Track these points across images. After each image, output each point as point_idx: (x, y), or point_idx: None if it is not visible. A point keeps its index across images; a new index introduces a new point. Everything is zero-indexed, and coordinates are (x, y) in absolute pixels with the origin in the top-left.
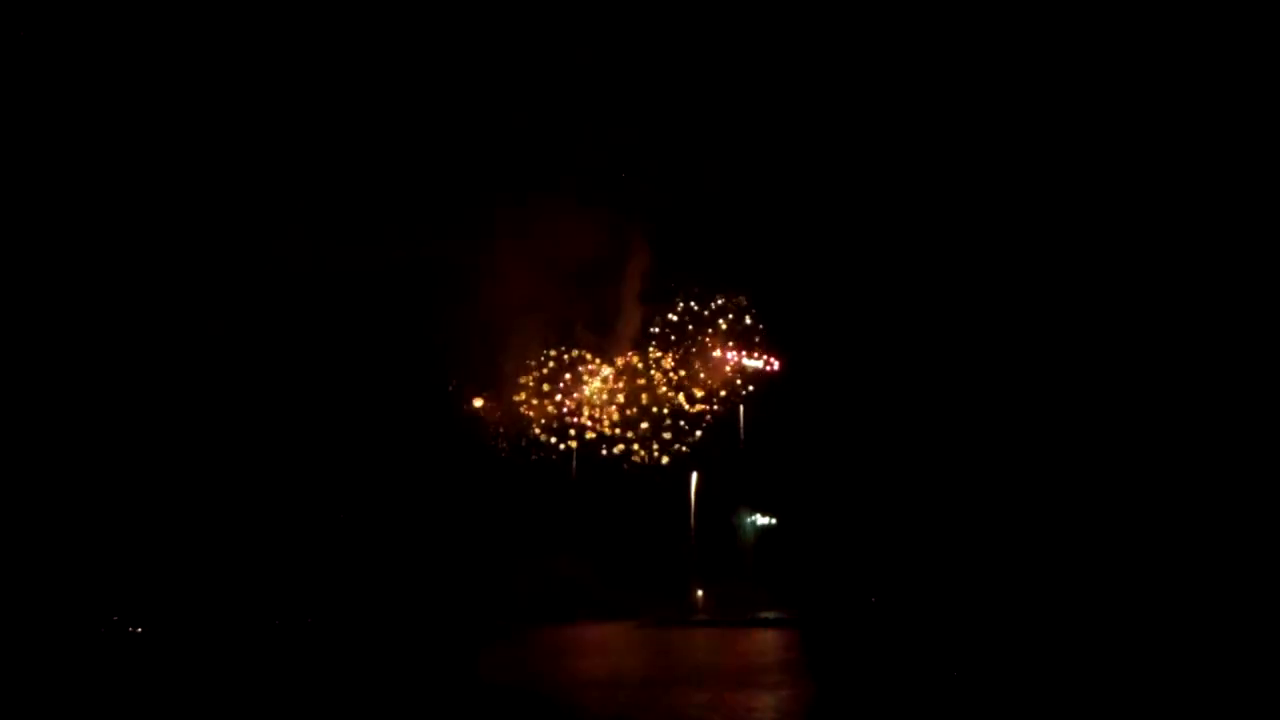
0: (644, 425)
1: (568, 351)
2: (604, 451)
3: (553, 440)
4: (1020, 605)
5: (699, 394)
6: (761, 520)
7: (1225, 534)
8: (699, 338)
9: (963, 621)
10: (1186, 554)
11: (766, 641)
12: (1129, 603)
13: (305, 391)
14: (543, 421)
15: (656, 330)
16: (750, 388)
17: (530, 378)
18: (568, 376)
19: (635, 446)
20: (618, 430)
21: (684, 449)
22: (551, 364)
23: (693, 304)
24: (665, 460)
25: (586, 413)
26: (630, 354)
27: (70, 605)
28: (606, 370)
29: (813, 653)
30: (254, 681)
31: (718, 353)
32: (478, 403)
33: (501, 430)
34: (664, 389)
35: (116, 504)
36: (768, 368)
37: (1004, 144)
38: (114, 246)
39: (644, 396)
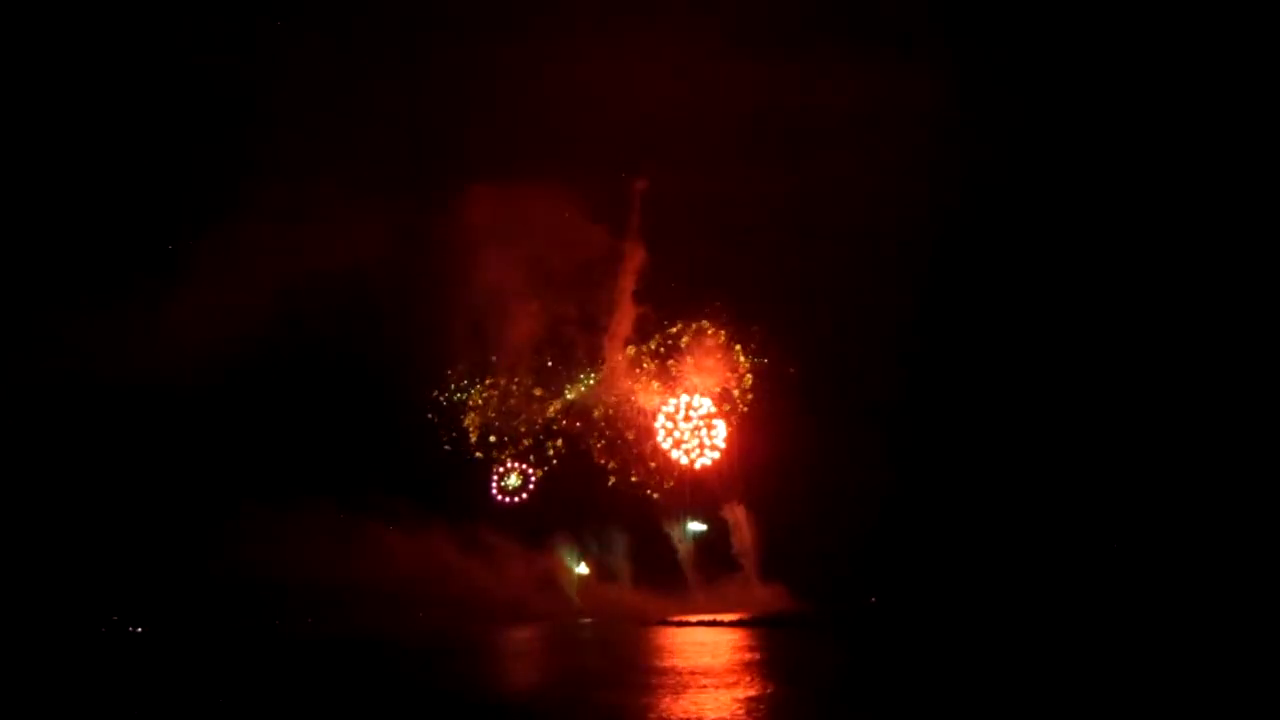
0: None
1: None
2: (602, 462)
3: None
4: (1020, 605)
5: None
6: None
7: (1225, 534)
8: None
9: (961, 621)
10: (1186, 554)
11: (771, 641)
12: (1129, 603)
13: (304, 394)
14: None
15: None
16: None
17: (522, 379)
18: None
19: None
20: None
21: (671, 482)
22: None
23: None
24: (653, 493)
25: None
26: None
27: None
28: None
29: (816, 653)
30: (254, 682)
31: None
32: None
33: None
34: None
35: (116, 504)
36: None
37: (999, 143)
38: (111, 249)
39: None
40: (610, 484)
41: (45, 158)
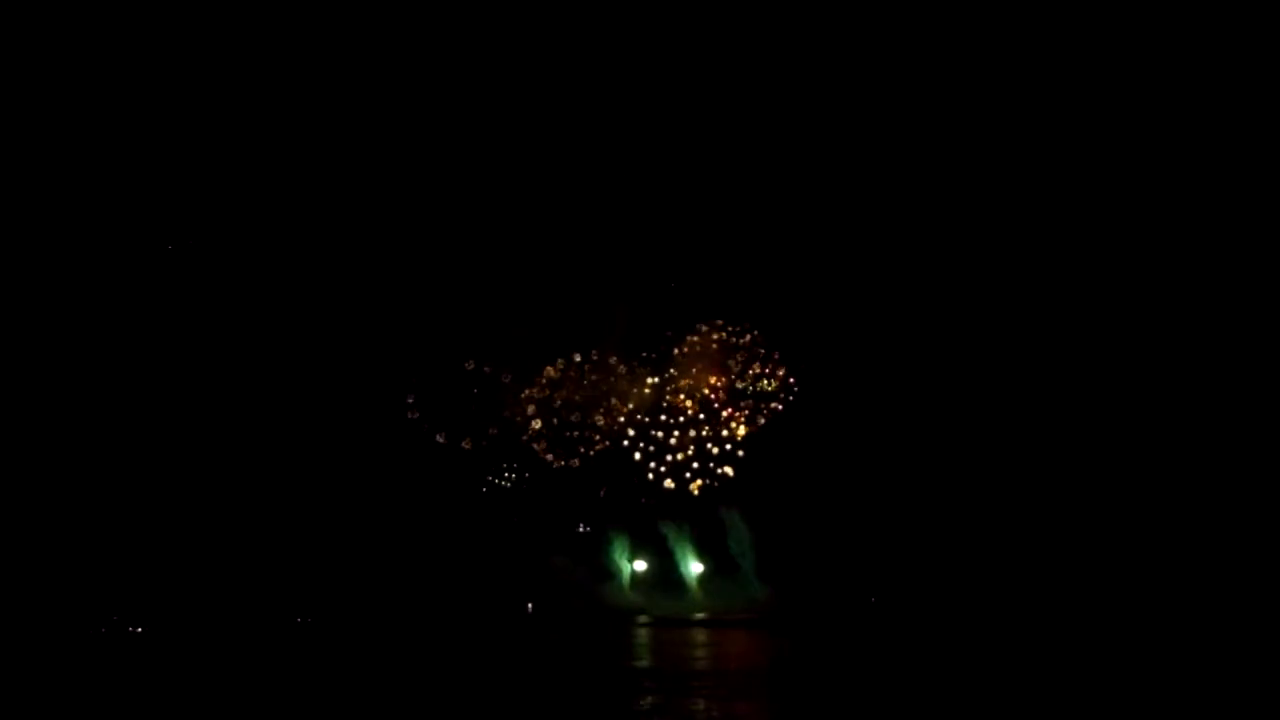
0: (680, 455)
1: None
2: (637, 459)
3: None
4: (1017, 606)
5: (739, 429)
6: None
7: (1225, 534)
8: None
9: (959, 621)
10: (1186, 554)
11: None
12: (1128, 602)
13: (301, 394)
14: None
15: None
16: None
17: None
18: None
19: (662, 469)
20: (640, 447)
21: (715, 484)
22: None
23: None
24: (696, 490)
25: (601, 421)
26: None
27: (70, 605)
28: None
29: (816, 653)
30: (254, 681)
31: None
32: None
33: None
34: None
35: (116, 504)
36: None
37: (1001, 147)
38: (112, 249)
39: (676, 425)
40: (602, 494)
41: (46, 156)
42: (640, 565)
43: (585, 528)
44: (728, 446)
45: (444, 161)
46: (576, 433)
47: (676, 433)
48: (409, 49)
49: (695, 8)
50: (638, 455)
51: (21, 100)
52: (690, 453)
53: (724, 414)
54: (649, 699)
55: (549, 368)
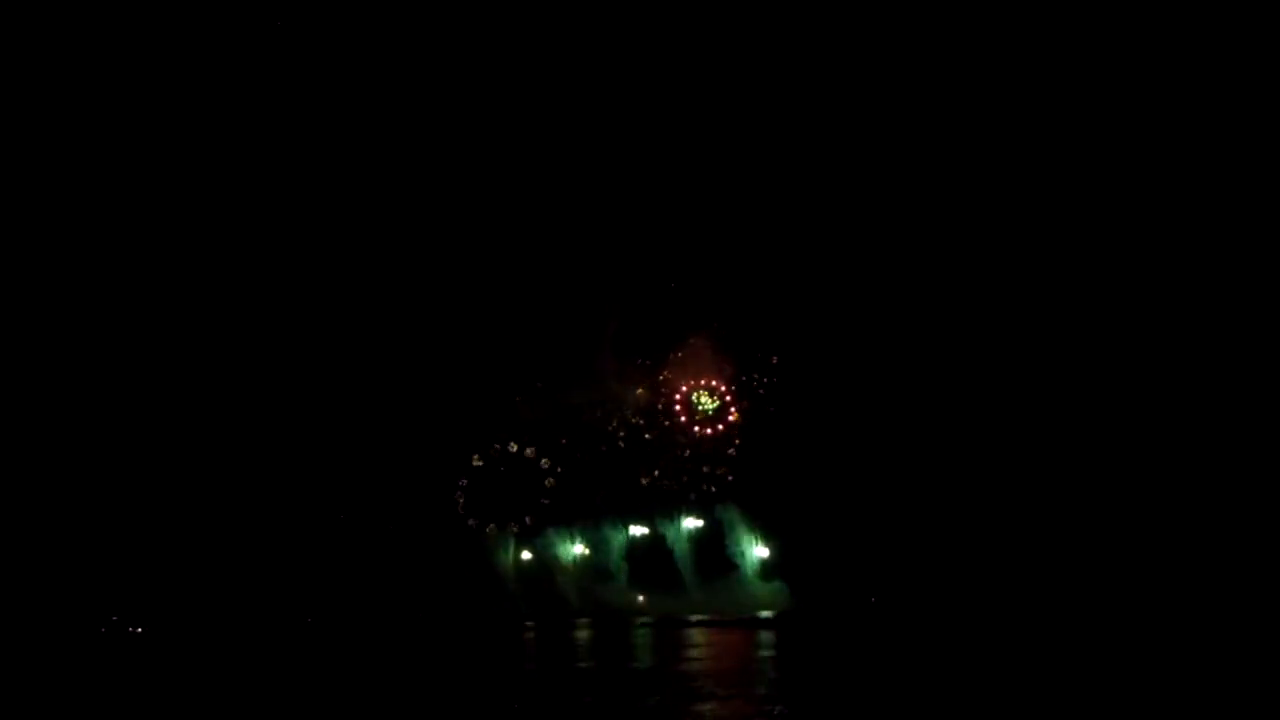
0: (677, 456)
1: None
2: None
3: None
4: (1017, 606)
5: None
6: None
7: (1225, 534)
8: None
9: (960, 621)
10: (1186, 553)
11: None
12: (1128, 602)
13: (303, 395)
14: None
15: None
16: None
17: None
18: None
19: (658, 471)
20: (637, 449)
21: (712, 488)
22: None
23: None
24: (693, 492)
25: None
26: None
27: (70, 605)
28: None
29: (816, 653)
30: (254, 681)
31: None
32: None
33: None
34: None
35: (116, 504)
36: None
37: (1000, 146)
38: (114, 249)
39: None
40: (599, 500)
41: (49, 157)
42: (638, 530)
43: (582, 529)
44: (725, 448)
45: (443, 161)
46: (574, 435)
47: (674, 434)
48: (407, 53)
49: (691, 8)
50: (635, 457)
51: (21, 100)
52: (687, 454)
53: (721, 415)
54: (653, 699)
55: (544, 369)
